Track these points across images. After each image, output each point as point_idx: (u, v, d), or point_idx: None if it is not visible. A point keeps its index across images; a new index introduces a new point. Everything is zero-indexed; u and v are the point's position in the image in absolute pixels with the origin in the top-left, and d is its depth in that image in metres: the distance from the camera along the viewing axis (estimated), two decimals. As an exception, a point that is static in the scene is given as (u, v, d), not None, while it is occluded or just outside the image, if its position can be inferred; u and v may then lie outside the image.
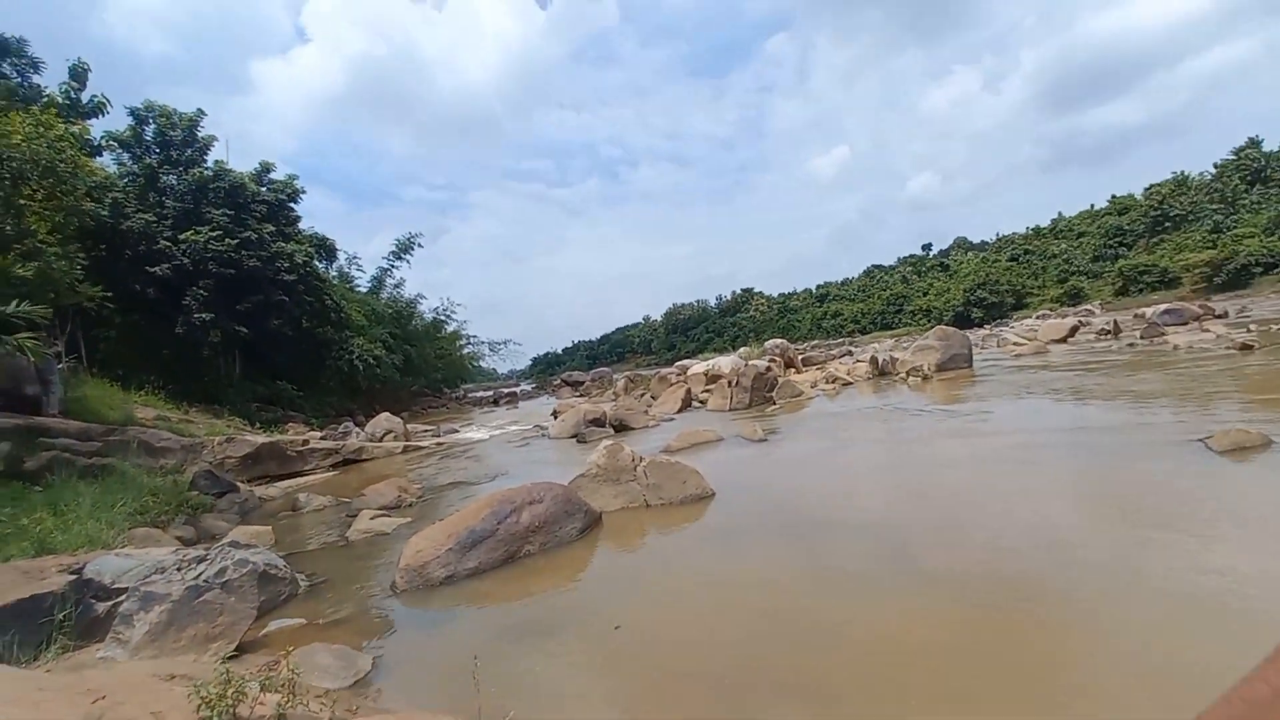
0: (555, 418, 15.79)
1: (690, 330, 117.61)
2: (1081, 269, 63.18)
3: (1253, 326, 17.95)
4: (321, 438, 15.36)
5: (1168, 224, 58.62)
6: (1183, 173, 64.03)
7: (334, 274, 32.51)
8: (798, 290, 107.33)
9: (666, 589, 4.39)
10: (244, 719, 2.36)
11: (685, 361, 25.00)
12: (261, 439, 12.76)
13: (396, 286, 38.47)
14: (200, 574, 3.95)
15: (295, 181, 25.28)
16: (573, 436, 13.28)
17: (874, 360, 18.90)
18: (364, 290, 36.19)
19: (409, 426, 18.67)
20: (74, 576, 4.25)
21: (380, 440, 16.18)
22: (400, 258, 37.88)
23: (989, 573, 3.84)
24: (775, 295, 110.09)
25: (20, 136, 12.80)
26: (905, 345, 27.27)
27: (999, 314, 59.22)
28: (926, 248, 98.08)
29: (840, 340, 61.46)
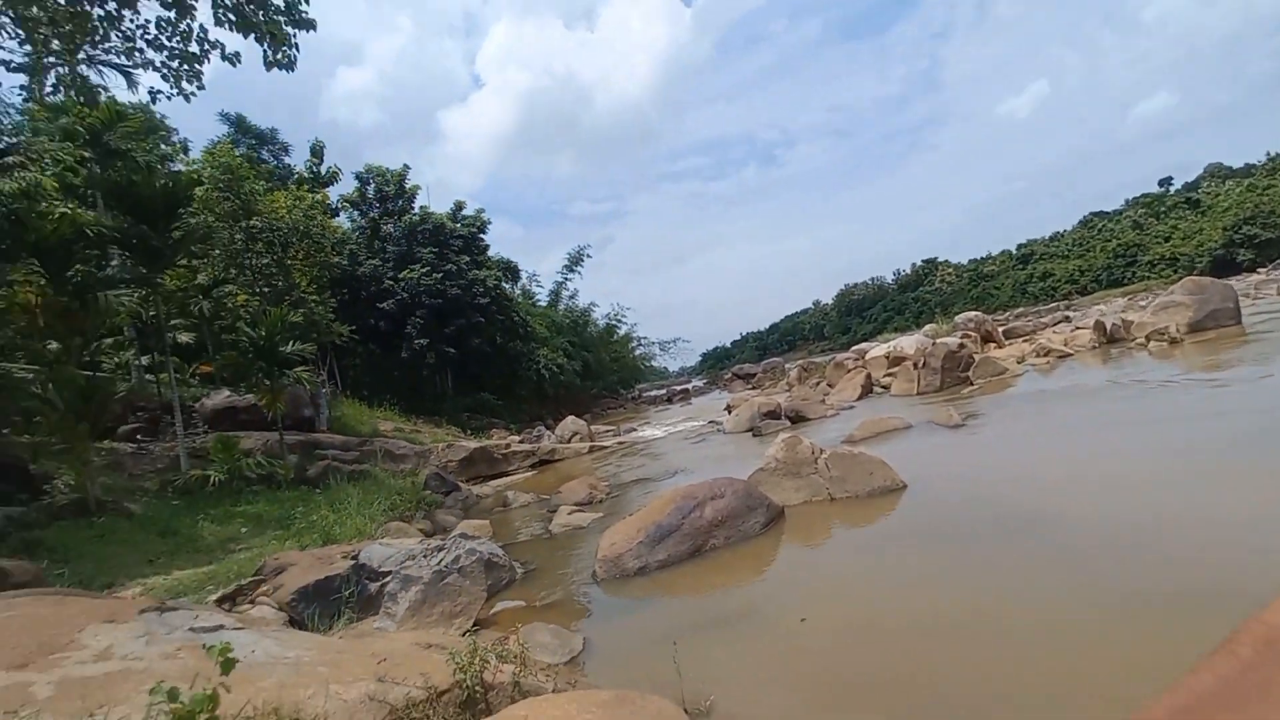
0: (729, 412, 15.86)
1: (866, 311, 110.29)
2: None
3: None
4: (520, 441, 17.14)
5: None
6: None
7: (518, 293, 36.04)
8: (993, 254, 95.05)
9: (853, 588, 4.24)
10: (489, 684, 2.77)
11: (863, 345, 23.55)
12: (474, 444, 14.61)
13: (571, 297, 41.46)
14: (441, 560, 4.69)
15: (482, 214, 28.58)
16: (748, 430, 13.23)
17: (1100, 325, 16.12)
18: (543, 304, 39.58)
19: (592, 428, 20.04)
20: (353, 561, 5.29)
21: (569, 441, 17.58)
22: (572, 270, 40.76)
23: (1257, 593, 3.13)
24: (964, 262, 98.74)
25: (284, 210, 16.09)
26: (1143, 304, 22.97)
27: (1276, 253, 46.91)
28: (1165, 182, 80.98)
29: (1053, 305, 53.24)
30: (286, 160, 22.79)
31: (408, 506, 9.05)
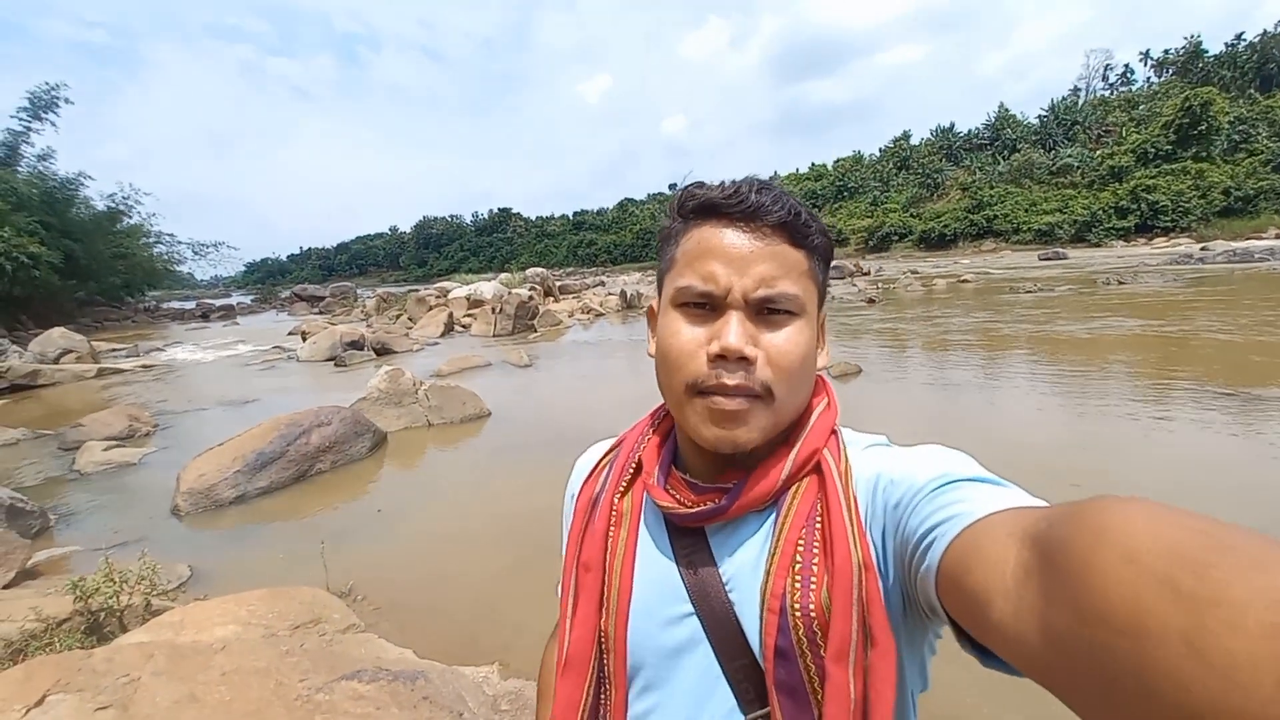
0: (303, 339, 14.73)
1: (443, 246, 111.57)
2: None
3: (880, 284, 24.65)
4: (-37, 358, 12.05)
5: (846, 193, 73.59)
6: (859, 152, 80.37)
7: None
8: (555, 215, 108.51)
9: (451, 489, 5.34)
10: (116, 608, 2.76)
11: (445, 284, 24.60)
12: None
13: (42, 159, 29.34)
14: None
15: None
16: (329, 360, 12.77)
17: (623, 294, 21.24)
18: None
19: (93, 344, 15.45)
20: None
21: (57, 361, 13.31)
22: (39, 117, 28.78)
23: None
24: (533, 218, 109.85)
25: None
26: (651, 280, 30.63)
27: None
28: (673, 187, 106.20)
29: (594, 269, 65.03)
30: None
31: None
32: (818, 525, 0.56)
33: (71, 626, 2.61)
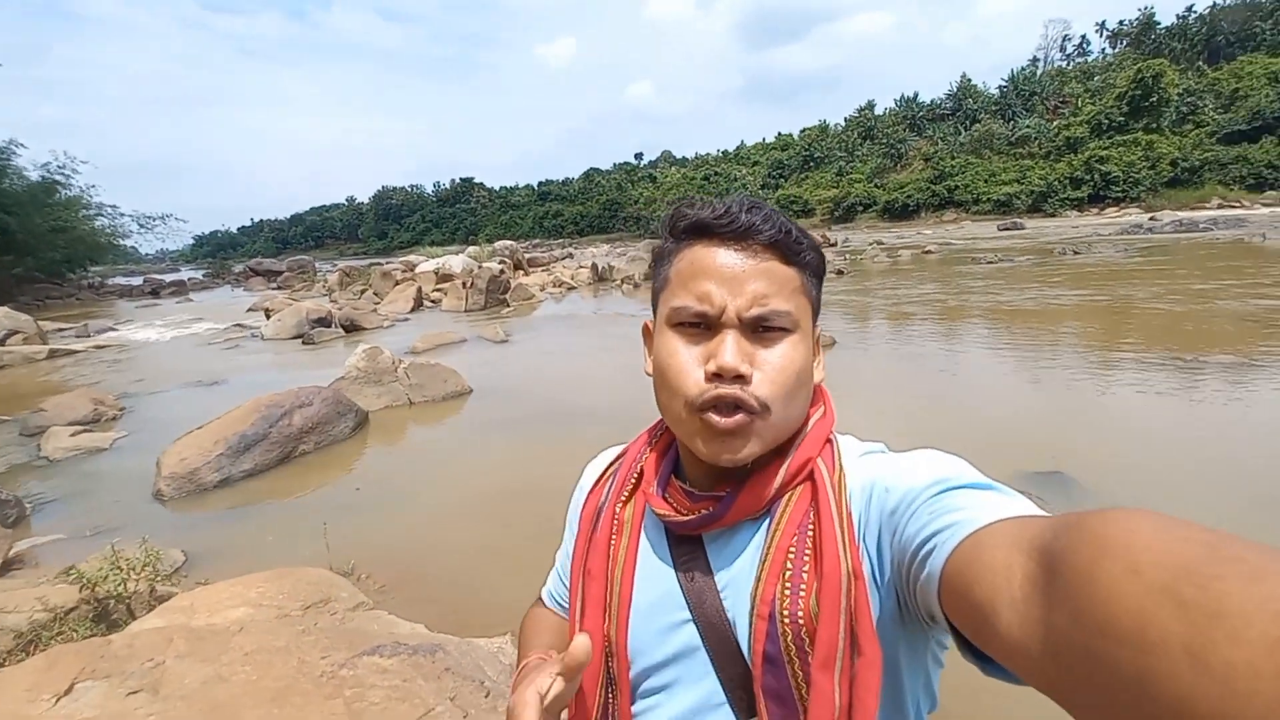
0: (267, 316, 14.30)
1: (404, 218, 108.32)
2: (752, 194, 76.21)
3: (847, 255, 25.04)
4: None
5: (812, 163, 73.80)
6: (825, 121, 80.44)
7: None
8: (519, 186, 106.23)
9: (440, 467, 5.37)
10: (123, 595, 2.76)
11: (410, 257, 24.03)
12: None
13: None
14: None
15: None
16: (296, 337, 12.45)
17: (595, 267, 21.12)
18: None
19: (40, 324, 14.73)
20: None
21: (3, 343, 12.70)
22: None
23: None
24: (497, 189, 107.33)
25: None
26: (620, 252, 30.47)
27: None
28: (639, 156, 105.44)
29: (561, 241, 64.20)
30: None
31: None
32: (809, 533, 0.57)
33: (80, 615, 2.60)
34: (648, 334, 0.69)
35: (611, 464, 0.78)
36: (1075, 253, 19.20)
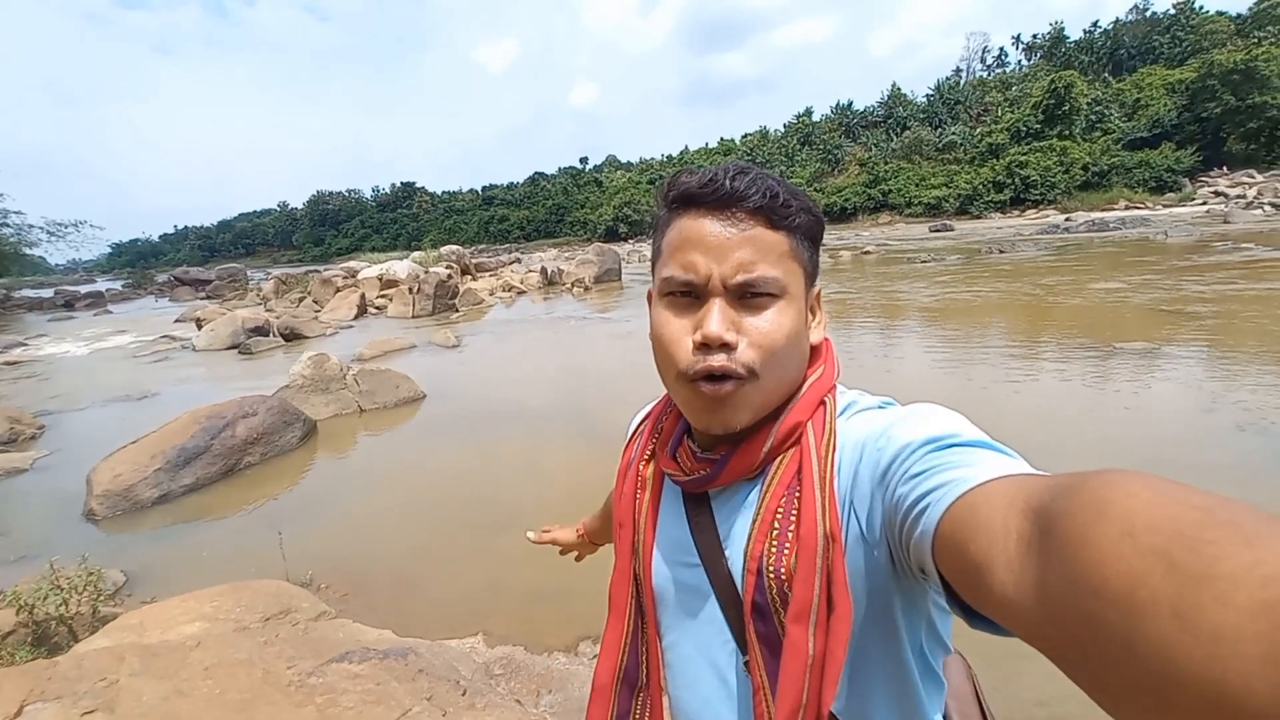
0: (199, 326, 13.56)
1: (342, 224, 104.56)
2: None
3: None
4: None
5: (754, 168, 75.15)
6: (764, 127, 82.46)
7: None
8: (463, 190, 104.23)
9: (395, 474, 5.25)
10: (64, 616, 2.61)
11: (351, 264, 23.26)
12: None
13: None
14: None
15: None
16: (231, 348, 11.88)
17: (544, 271, 20.98)
18: None
19: (-63, 341, 13.53)
20: None
21: (-107, 362, 11.60)
22: None
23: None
24: (440, 193, 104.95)
25: None
26: (569, 256, 30.34)
27: (640, 231, 68.92)
28: (584, 160, 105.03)
29: (508, 246, 63.34)
30: None
31: None
32: (797, 495, 0.59)
33: (18, 639, 2.44)
34: (651, 301, 0.70)
35: (641, 423, 0.82)
36: (1000, 251, 20.37)
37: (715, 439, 0.65)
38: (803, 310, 0.63)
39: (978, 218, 48.33)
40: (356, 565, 3.80)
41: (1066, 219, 34.65)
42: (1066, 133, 50.64)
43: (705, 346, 0.58)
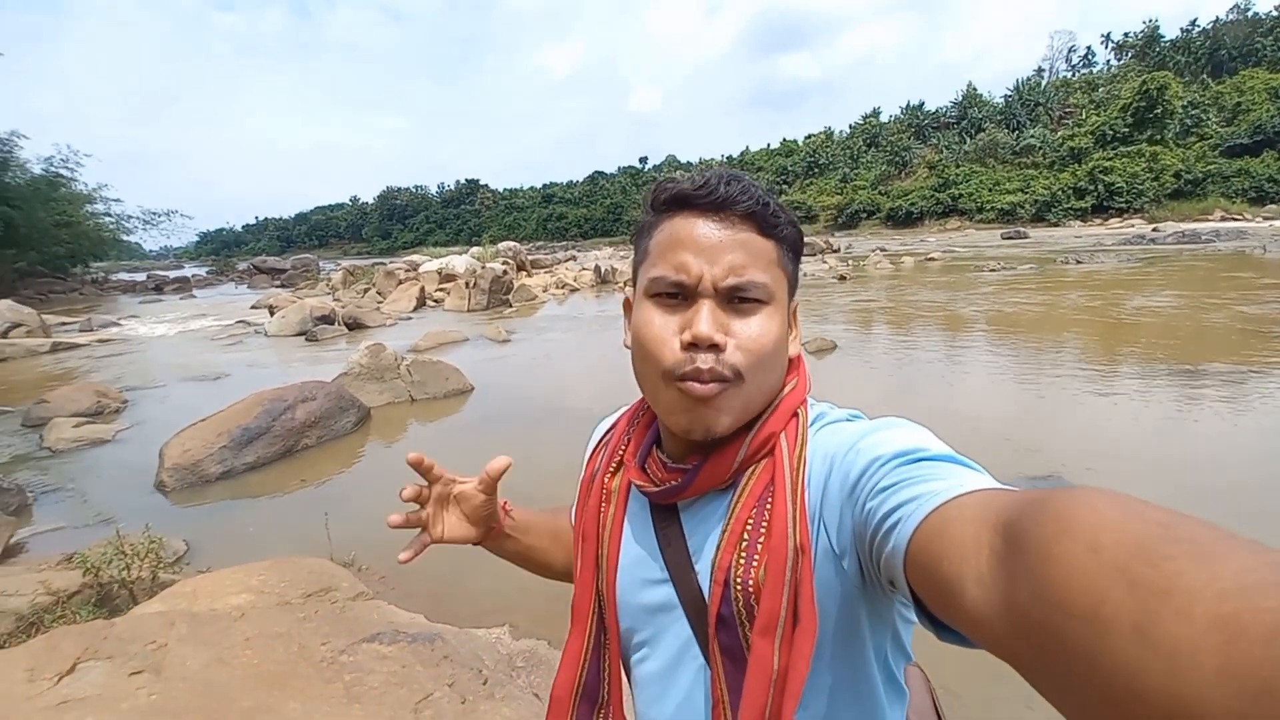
0: (271, 313, 14.35)
1: (408, 218, 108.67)
2: (757, 199, 76.35)
3: (850, 261, 25.06)
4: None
5: (816, 170, 73.92)
6: (829, 128, 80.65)
7: None
8: (523, 188, 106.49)
9: (440, 463, 5.37)
10: (126, 580, 2.79)
11: (413, 257, 24.11)
12: None
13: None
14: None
15: None
16: (299, 334, 12.51)
17: (598, 269, 21.17)
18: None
19: (44, 318, 14.81)
20: None
21: (6, 335, 12.77)
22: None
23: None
24: (501, 190, 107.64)
25: None
26: (624, 255, 30.50)
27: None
28: (643, 160, 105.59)
29: (564, 243, 64.31)
30: None
31: None
32: (768, 506, 0.58)
33: (82, 599, 2.62)
34: (628, 308, 0.70)
35: (606, 434, 0.81)
36: (1079, 261, 19.22)
37: (687, 449, 0.64)
38: (785, 320, 0.64)
39: (1055, 225, 45.80)
40: (397, 549, 3.87)
41: (1154, 229, 32.40)
42: (1158, 137, 47.33)
43: (694, 346, 0.58)
